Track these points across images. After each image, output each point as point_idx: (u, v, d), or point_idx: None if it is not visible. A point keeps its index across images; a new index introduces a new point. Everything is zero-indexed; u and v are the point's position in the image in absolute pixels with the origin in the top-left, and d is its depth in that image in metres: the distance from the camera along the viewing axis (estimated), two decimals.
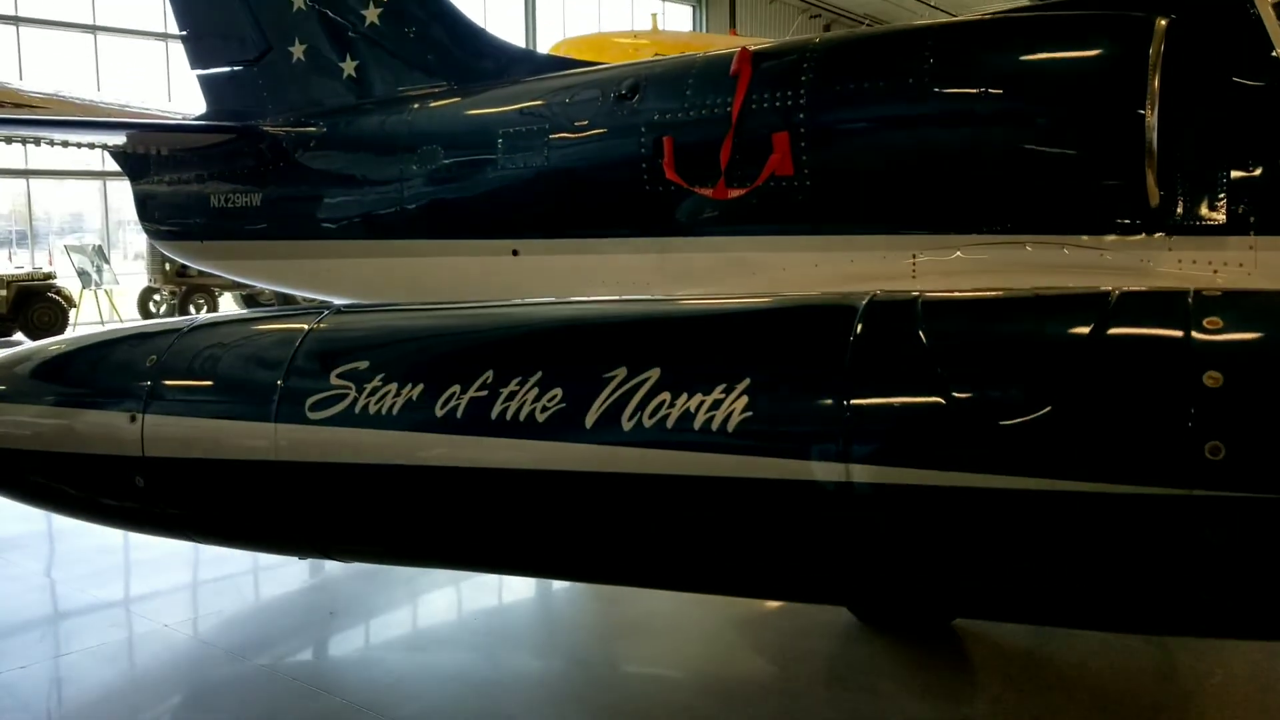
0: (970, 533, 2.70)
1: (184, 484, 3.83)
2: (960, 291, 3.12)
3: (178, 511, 3.96)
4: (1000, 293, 3.08)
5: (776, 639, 4.91)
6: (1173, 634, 2.75)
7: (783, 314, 3.29)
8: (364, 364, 3.49)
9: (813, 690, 4.38)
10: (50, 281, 18.32)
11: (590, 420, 3.06)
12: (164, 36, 23.09)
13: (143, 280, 20.23)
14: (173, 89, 22.94)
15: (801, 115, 5.01)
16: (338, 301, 7.50)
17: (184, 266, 17.08)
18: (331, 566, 5.84)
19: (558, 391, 3.13)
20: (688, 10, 32.88)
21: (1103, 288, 2.85)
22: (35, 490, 4.32)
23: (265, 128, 7.28)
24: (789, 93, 5.06)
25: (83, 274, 19.29)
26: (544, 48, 21.05)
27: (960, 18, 5.13)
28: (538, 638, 5.17)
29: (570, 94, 6.03)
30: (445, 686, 4.52)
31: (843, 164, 5.01)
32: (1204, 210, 4.33)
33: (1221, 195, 4.28)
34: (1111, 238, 4.47)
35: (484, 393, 3.24)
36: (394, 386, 3.39)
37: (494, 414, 3.20)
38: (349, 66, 7.21)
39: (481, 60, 7.01)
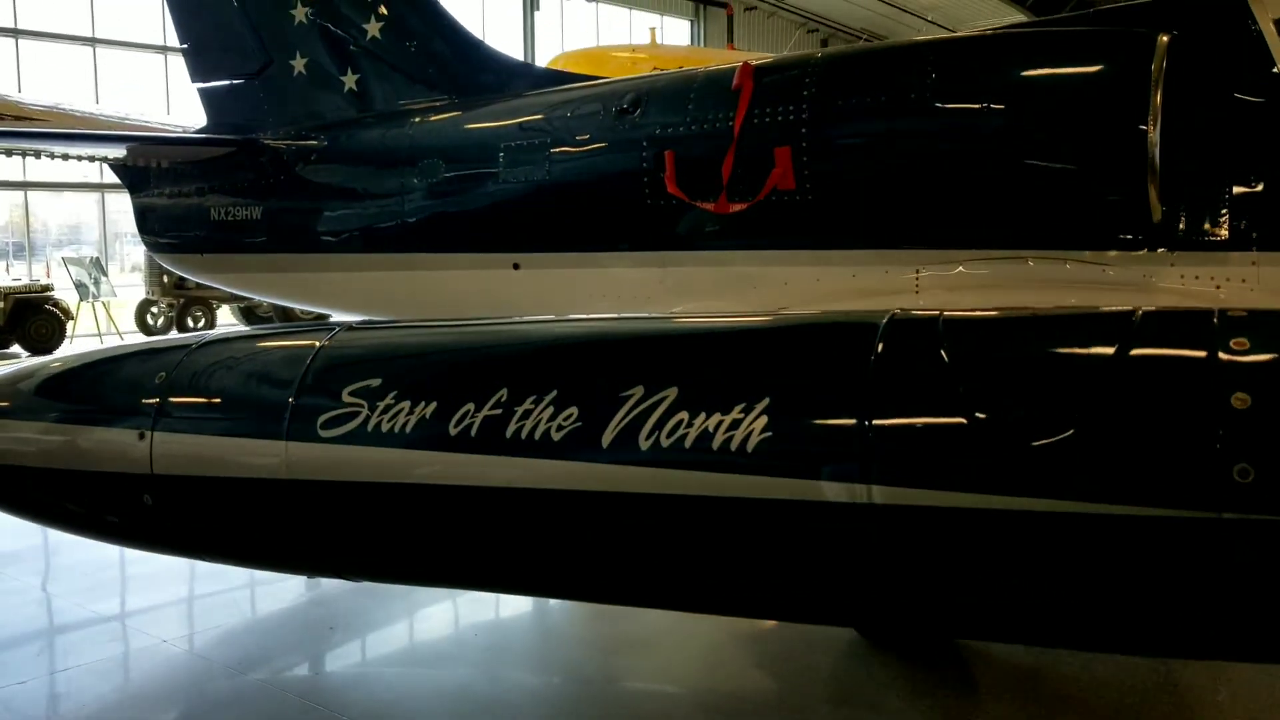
0: (995, 555, 2.67)
1: (193, 502, 3.80)
2: (981, 310, 3.09)
3: (187, 530, 3.92)
4: (1022, 311, 3.05)
5: (778, 655, 4.89)
6: (1200, 658, 2.70)
7: (802, 332, 3.25)
8: (376, 381, 3.46)
9: (816, 707, 4.35)
10: (48, 294, 18.29)
11: (607, 439, 3.03)
12: (163, 49, 23.13)
13: (140, 292, 20.21)
14: (171, 102, 22.97)
15: (804, 130, 5.01)
16: (336, 314, 7.51)
17: (182, 279, 17.05)
18: (330, 581, 5.81)
19: (573, 410, 3.10)
20: (685, 25, 33.00)
21: (1125, 307, 2.83)
22: (39, 507, 4.29)
23: (266, 141, 7.28)
24: (791, 107, 5.07)
25: (80, 286, 19.27)
26: (542, 61, 21.11)
27: (962, 33, 5.14)
28: (537, 653, 5.14)
29: (572, 108, 6.04)
30: (445, 703, 4.50)
31: (845, 178, 5.00)
32: (1206, 226, 4.33)
33: (1224, 211, 4.29)
34: (1114, 253, 4.47)
35: (498, 411, 3.20)
36: (407, 404, 3.35)
37: (508, 432, 3.16)
38: (350, 80, 7.21)
39: (482, 74, 7.03)
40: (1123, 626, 2.68)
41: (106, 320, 19.18)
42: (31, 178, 22.60)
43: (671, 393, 2.99)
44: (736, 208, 5.18)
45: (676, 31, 32.31)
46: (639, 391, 3.03)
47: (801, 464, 2.82)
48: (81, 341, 18.29)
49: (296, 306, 8.35)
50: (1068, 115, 4.57)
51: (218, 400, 3.85)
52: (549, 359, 3.43)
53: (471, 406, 3.24)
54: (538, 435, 3.12)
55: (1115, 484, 2.51)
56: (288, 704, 4.45)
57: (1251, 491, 2.38)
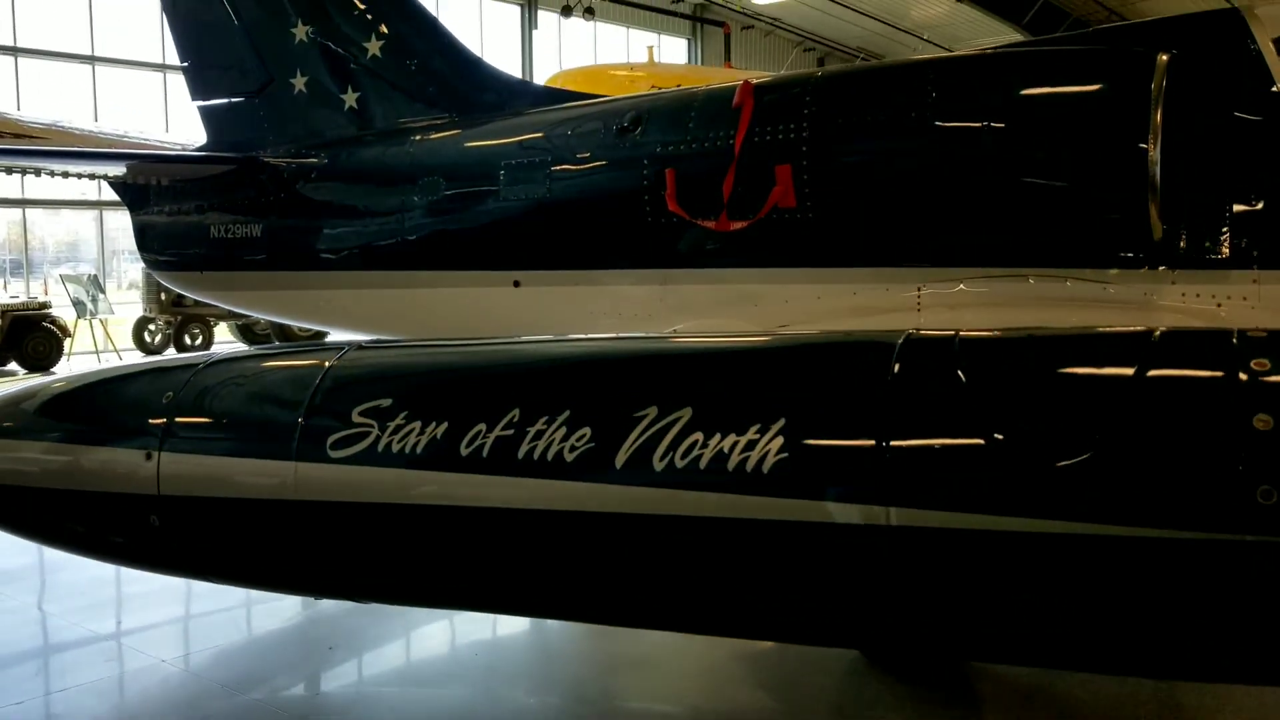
0: (1015, 578, 2.65)
1: (201, 523, 3.75)
2: (997, 329, 3.08)
3: (194, 551, 3.88)
4: (1038, 331, 3.04)
5: (779, 674, 4.86)
6: (1222, 681, 2.67)
7: (817, 352, 3.23)
8: (386, 401, 3.43)
9: None
10: (45, 311, 18.24)
11: (620, 460, 3.00)
12: (161, 68, 23.18)
13: (138, 310, 20.18)
14: (170, 120, 23.01)
15: (804, 148, 5.03)
16: (337, 332, 7.50)
17: (180, 296, 17.04)
18: (328, 600, 5.78)
19: (586, 430, 3.07)
20: (683, 43, 33.14)
21: (1144, 327, 2.82)
22: (44, 528, 4.23)
23: (266, 159, 7.29)
24: (792, 125, 5.08)
25: (78, 304, 19.23)
26: (540, 79, 21.17)
27: (963, 52, 5.16)
28: (536, 673, 5.11)
29: (572, 126, 6.05)
30: None
31: (846, 197, 5.02)
32: (1207, 244, 4.34)
33: (1224, 229, 4.30)
34: (1115, 271, 4.48)
35: (510, 431, 3.18)
36: (417, 425, 3.32)
37: (521, 453, 3.13)
38: (350, 98, 7.23)
39: (482, 92, 7.05)
40: (1146, 650, 2.65)
41: (104, 338, 19.15)
42: (30, 195, 22.61)
43: (686, 413, 2.97)
44: (737, 226, 5.19)
45: (674, 50, 32.44)
46: (653, 412, 3.01)
47: (819, 485, 2.79)
48: (79, 359, 18.25)
49: (296, 324, 8.33)
50: (1068, 134, 4.58)
51: (226, 420, 3.82)
52: (561, 379, 3.40)
53: (483, 427, 3.21)
54: (550, 456, 3.09)
55: (1138, 506, 2.49)
56: None
57: (1276, 513, 2.36)
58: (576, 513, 3.07)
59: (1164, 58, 4.44)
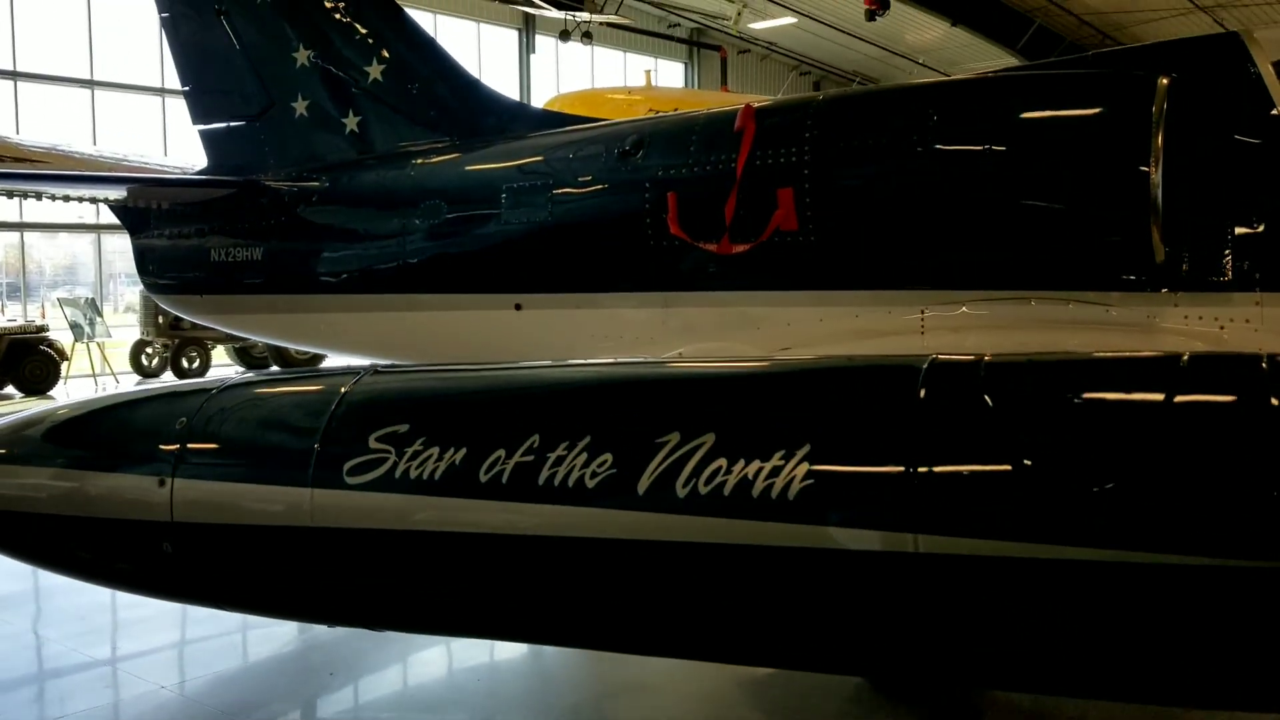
0: (1045, 605, 2.61)
1: (215, 551, 3.70)
2: (1023, 354, 3.05)
3: (207, 579, 3.82)
4: (1064, 355, 3.01)
5: (781, 699, 4.82)
6: (1255, 710, 2.63)
7: (841, 376, 3.20)
8: (404, 427, 3.38)
9: None
10: (43, 334, 18.21)
11: (643, 487, 2.96)
12: (160, 92, 23.25)
13: (135, 333, 20.15)
14: (169, 143, 23.05)
15: (806, 171, 5.03)
16: (337, 355, 7.48)
17: (177, 319, 17.01)
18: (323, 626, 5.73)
19: (607, 457, 3.03)
20: (680, 67, 33.31)
21: (1171, 351, 2.80)
22: (52, 555, 4.17)
23: (267, 182, 7.29)
24: (794, 149, 5.09)
25: (75, 327, 19.20)
26: (538, 102, 21.25)
27: (964, 76, 5.19)
28: (535, 698, 5.07)
29: (574, 149, 6.07)
30: None
31: (848, 219, 5.02)
32: (1209, 266, 4.34)
33: (1227, 252, 4.30)
34: (1118, 294, 4.48)
35: (530, 457, 3.14)
36: (435, 450, 3.28)
37: (541, 480, 3.10)
38: (351, 122, 7.24)
39: (483, 116, 7.07)
40: (1178, 678, 2.62)
41: (101, 361, 19.11)
42: (28, 219, 22.63)
43: (709, 439, 2.93)
44: (739, 248, 5.19)
45: (671, 74, 32.60)
46: (675, 438, 2.97)
47: (845, 512, 2.76)
48: (76, 383, 18.20)
49: (296, 348, 8.32)
50: (1069, 157, 4.60)
51: (240, 446, 3.78)
52: (582, 404, 3.37)
53: (502, 453, 3.18)
54: (571, 482, 3.05)
55: (1169, 533, 2.47)
56: None
57: None
58: (599, 539, 3.02)
59: (1164, 81, 4.47)
